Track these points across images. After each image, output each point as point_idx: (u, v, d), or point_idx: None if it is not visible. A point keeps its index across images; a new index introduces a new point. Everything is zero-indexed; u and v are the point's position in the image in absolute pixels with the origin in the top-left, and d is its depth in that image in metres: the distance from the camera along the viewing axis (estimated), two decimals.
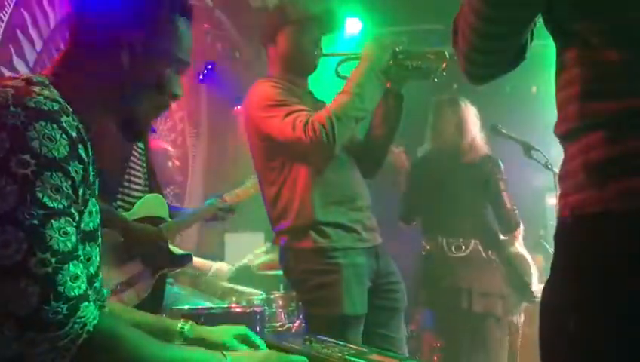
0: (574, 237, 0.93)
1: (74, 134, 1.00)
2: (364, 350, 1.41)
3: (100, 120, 1.16)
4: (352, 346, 1.43)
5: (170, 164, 3.35)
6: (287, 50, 2.24)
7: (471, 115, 3.16)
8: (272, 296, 3.30)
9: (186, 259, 2.48)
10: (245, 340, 1.33)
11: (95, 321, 0.96)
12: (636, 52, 0.89)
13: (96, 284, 1.16)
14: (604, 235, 0.88)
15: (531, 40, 1.07)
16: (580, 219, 0.91)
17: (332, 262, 2.11)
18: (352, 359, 1.27)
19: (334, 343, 1.46)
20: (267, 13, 2.37)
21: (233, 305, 2.50)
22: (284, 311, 3.28)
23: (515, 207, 3.05)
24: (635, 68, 0.89)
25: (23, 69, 2.72)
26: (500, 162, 3.09)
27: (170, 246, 2.45)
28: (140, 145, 2.29)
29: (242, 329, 1.36)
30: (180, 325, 1.34)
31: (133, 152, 2.25)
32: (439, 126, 3.21)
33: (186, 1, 1.19)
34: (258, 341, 1.35)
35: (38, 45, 2.83)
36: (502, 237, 3.16)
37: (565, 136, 0.96)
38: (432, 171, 3.19)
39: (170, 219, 2.51)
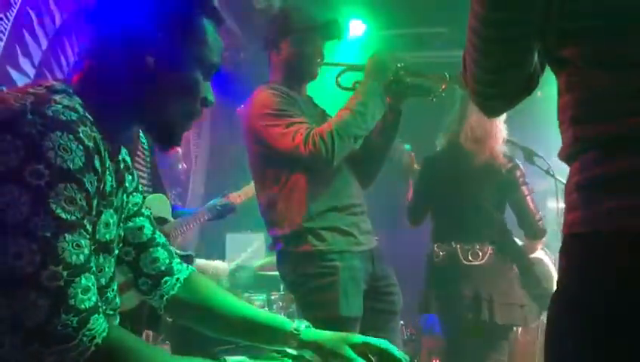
0: (569, 255, 0.96)
1: (90, 145, 0.98)
2: None
3: (128, 128, 1.15)
4: None
5: (180, 166, 3.37)
6: (289, 58, 2.25)
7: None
8: (272, 297, 3.32)
9: (187, 260, 2.48)
10: (364, 349, 1.26)
11: (104, 334, 0.96)
12: (619, 75, 0.91)
13: (109, 295, 1.16)
14: (596, 255, 0.91)
15: (543, 70, 1.09)
16: (574, 239, 0.94)
17: (329, 265, 2.12)
18: None
19: None
20: (271, 20, 2.36)
21: None
22: (285, 312, 3.30)
23: (541, 214, 2.92)
24: (619, 91, 0.91)
25: (28, 68, 2.73)
26: (522, 167, 2.94)
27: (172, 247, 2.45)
28: (145, 145, 2.30)
29: (358, 337, 1.31)
30: (294, 326, 1.32)
31: (137, 152, 2.26)
32: (459, 115, 2.94)
33: (211, 3, 1.14)
34: (382, 344, 1.28)
35: (44, 44, 2.85)
36: (520, 243, 3.03)
37: (565, 160, 1.00)
38: (447, 169, 2.96)
39: (172, 220, 2.52)
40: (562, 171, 3.18)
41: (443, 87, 2.20)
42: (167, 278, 1.33)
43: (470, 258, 2.84)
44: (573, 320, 0.92)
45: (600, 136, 0.92)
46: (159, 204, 2.37)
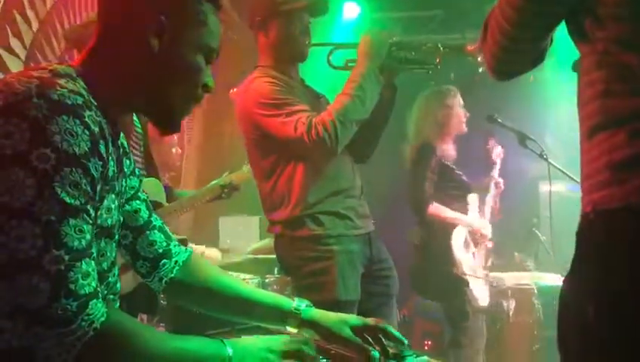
0: (598, 231, 0.99)
1: (96, 130, 0.98)
2: None
3: (128, 113, 1.14)
4: None
5: (174, 150, 3.36)
6: (278, 40, 2.22)
7: (430, 103, 3.32)
8: (267, 280, 3.32)
9: (181, 243, 2.48)
10: (363, 331, 1.28)
11: (103, 318, 0.96)
12: None
13: (110, 279, 1.16)
14: (627, 228, 0.95)
15: (551, 43, 1.16)
16: (603, 214, 0.97)
17: (326, 249, 2.13)
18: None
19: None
20: (256, 2, 2.29)
21: None
22: (280, 294, 3.31)
23: (427, 195, 3.15)
24: None
25: (19, 49, 2.70)
26: (435, 149, 3.22)
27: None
28: (138, 129, 2.29)
29: (358, 319, 1.32)
30: (294, 305, 1.33)
31: (132, 136, 2.24)
32: None
33: None
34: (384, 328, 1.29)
35: (35, 25, 2.82)
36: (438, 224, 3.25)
37: (588, 133, 1.02)
38: None
39: (166, 204, 2.52)
40: (555, 154, 3.21)
41: (437, 60, 2.18)
42: (165, 261, 1.34)
43: (416, 239, 3.32)
44: (597, 294, 0.96)
45: (633, 111, 0.96)
46: (152, 188, 2.36)
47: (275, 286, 3.40)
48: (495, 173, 3.51)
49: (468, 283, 3.14)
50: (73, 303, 0.93)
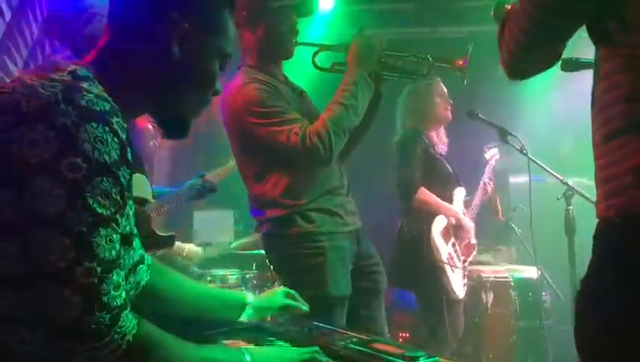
0: (622, 235, 1.00)
1: (124, 137, 0.96)
2: (365, 338, 1.41)
3: (138, 116, 1.13)
4: (350, 333, 1.44)
5: (151, 143, 3.29)
6: (265, 39, 2.19)
7: (411, 96, 3.41)
8: (247, 276, 3.32)
9: (170, 240, 2.46)
10: (290, 297, 1.58)
11: (134, 331, 0.95)
12: None
13: (126, 287, 1.13)
14: None
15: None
16: (627, 218, 0.98)
17: (317, 246, 2.14)
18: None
19: (331, 329, 1.48)
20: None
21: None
22: (260, 290, 3.30)
23: (416, 178, 3.19)
24: None
25: None
26: (420, 135, 3.31)
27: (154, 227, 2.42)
28: None
29: (285, 289, 1.59)
30: (244, 296, 1.52)
31: None
32: None
33: None
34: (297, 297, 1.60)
35: (7, 16, 2.71)
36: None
37: (608, 136, 1.02)
38: None
39: (152, 200, 2.48)
40: (535, 150, 3.27)
41: (425, 71, 2.22)
42: (141, 266, 1.30)
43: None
44: (623, 298, 0.97)
45: None
46: (139, 185, 2.31)
47: (254, 281, 3.40)
48: (486, 175, 3.59)
49: (444, 272, 3.16)
50: (106, 316, 0.91)
